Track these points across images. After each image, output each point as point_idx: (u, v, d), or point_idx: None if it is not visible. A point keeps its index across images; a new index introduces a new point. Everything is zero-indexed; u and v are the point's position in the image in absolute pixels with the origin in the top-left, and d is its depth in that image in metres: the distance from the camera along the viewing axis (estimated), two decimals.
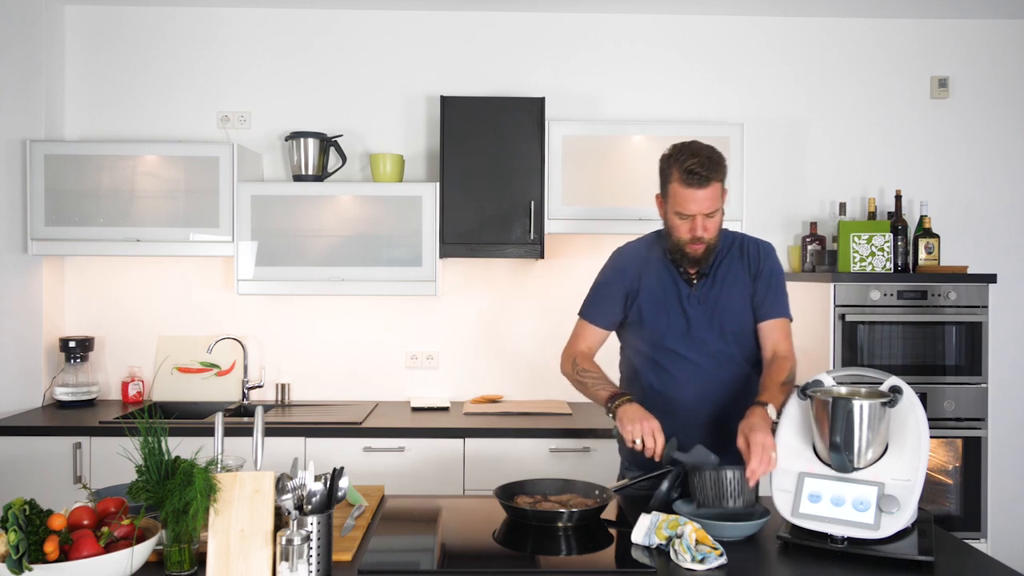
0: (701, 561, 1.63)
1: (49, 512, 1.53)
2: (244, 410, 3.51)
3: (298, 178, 3.49)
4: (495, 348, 3.69)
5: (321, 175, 3.52)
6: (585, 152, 3.36)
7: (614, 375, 2.32)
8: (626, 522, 1.86)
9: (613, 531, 1.90)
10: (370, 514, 2.00)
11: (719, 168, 2.06)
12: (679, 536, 1.69)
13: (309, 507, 1.59)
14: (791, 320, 2.19)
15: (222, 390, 3.61)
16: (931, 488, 3.26)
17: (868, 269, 3.30)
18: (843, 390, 1.89)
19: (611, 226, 3.29)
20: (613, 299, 2.23)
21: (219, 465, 1.65)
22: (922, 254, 3.40)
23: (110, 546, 1.52)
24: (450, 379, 3.70)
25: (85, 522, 1.56)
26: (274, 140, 3.69)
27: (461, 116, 3.32)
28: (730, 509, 1.86)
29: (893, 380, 1.85)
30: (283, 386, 3.60)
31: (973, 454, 3.21)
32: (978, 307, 3.21)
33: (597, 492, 2.02)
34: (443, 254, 3.35)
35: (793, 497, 1.79)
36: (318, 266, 3.34)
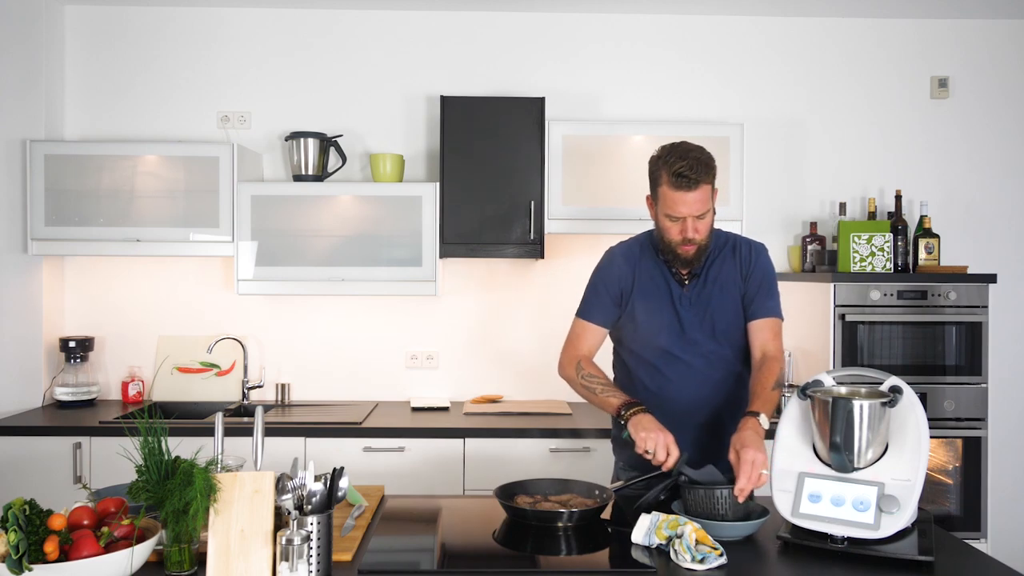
0: (701, 561, 1.63)
1: (49, 512, 1.53)
2: (244, 410, 3.51)
3: (298, 178, 3.49)
4: (495, 348, 3.69)
5: (321, 175, 3.52)
6: (585, 152, 3.36)
7: (612, 375, 2.32)
8: (626, 522, 1.86)
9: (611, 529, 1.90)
10: (370, 514, 2.00)
11: (708, 170, 2.05)
12: (679, 536, 1.69)
13: (309, 507, 1.59)
14: (782, 320, 2.18)
15: (222, 390, 3.61)
16: (931, 488, 3.26)
17: (868, 269, 3.29)
18: (843, 390, 1.89)
19: (611, 226, 3.29)
20: (609, 297, 2.22)
21: (219, 465, 1.65)
22: (922, 254, 3.40)
23: (110, 546, 1.52)
24: (450, 379, 3.70)
25: (85, 522, 1.56)
26: (274, 140, 3.69)
27: (461, 116, 3.32)
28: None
29: (893, 380, 1.84)
30: (283, 386, 3.60)
31: (973, 454, 3.21)
32: (978, 307, 3.21)
33: (597, 492, 2.02)
34: (443, 254, 3.35)
35: (793, 497, 1.79)
36: (318, 266, 3.34)
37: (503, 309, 3.70)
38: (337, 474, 1.65)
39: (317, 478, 1.63)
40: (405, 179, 3.62)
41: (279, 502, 1.56)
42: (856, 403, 1.77)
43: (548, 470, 3.02)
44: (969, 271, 3.46)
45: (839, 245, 3.35)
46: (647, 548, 1.75)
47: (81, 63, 3.67)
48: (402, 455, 3.07)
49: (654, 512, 1.80)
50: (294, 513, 1.54)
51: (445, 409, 3.44)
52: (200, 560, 1.62)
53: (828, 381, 1.92)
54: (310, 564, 1.55)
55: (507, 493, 1.99)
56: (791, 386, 3.27)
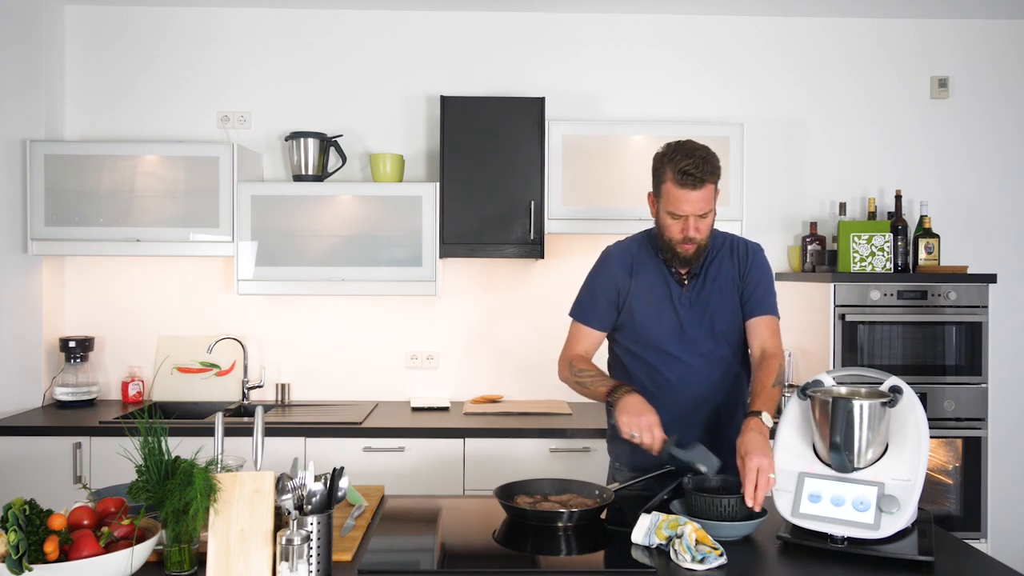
0: (701, 561, 1.63)
1: (49, 512, 1.53)
2: (244, 410, 3.51)
3: (298, 178, 3.49)
4: (495, 348, 3.69)
5: (321, 175, 3.52)
6: (585, 152, 3.36)
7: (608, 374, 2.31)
8: (626, 522, 1.86)
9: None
10: (370, 514, 2.00)
11: (714, 169, 2.05)
12: (679, 536, 1.69)
13: (309, 507, 1.59)
14: (779, 318, 2.18)
15: (222, 390, 3.61)
16: (931, 488, 3.26)
17: (868, 269, 3.29)
18: (843, 390, 1.89)
19: (611, 226, 3.29)
20: (606, 300, 2.21)
21: (219, 465, 1.65)
22: (922, 254, 3.40)
23: (110, 546, 1.52)
24: (450, 379, 3.70)
25: (85, 522, 1.56)
26: (274, 140, 3.69)
27: (461, 116, 3.32)
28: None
29: (893, 380, 1.84)
30: (283, 386, 3.60)
31: (973, 454, 3.21)
32: (978, 307, 3.21)
33: (597, 492, 2.02)
34: (443, 254, 3.35)
35: (793, 497, 1.79)
36: (318, 266, 3.34)
37: (503, 309, 3.70)
38: (337, 474, 1.65)
39: (317, 478, 1.63)
40: (405, 179, 3.62)
41: (279, 502, 1.56)
42: (856, 403, 1.77)
43: (548, 470, 3.02)
44: (969, 271, 3.46)
45: (839, 245, 3.35)
46: (647, 548, 1.75)
47: (81, 63, 3.67)
48: (402, 455, 3.07)
49: (654, 512, 1.80)
50: (294, 513, 1.54)
51: (445, 409, 3.44)
52: (200, 560, 1.62)
53: (828, 381, 1.92)
54: (310, 564, 1.55)
55: (507, 493, 1.99)
56: (791, 386, 3.27)
